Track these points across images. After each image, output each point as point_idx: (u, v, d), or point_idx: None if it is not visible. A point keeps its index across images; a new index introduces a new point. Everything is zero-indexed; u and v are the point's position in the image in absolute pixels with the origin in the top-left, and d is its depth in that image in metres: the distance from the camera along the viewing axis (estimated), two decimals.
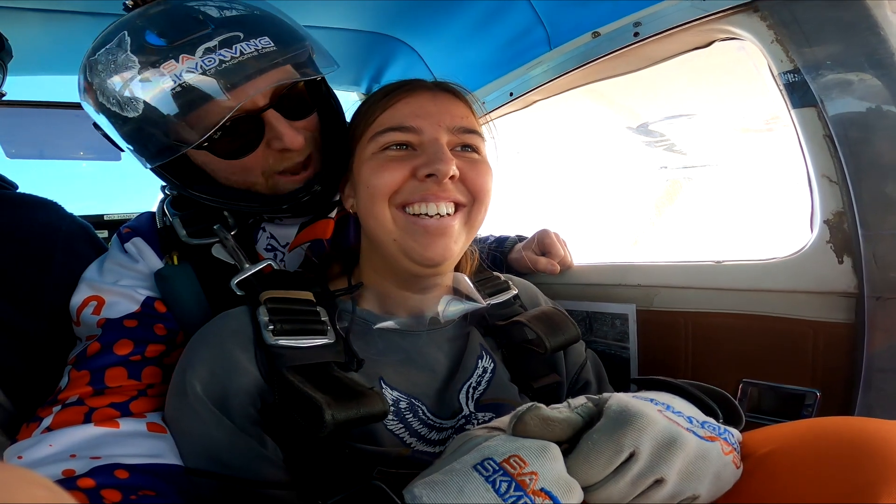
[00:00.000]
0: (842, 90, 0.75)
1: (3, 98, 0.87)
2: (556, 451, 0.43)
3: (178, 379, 0.59)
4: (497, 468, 0.41)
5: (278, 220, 0.82)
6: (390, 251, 0.66)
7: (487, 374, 0.71)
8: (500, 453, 0.42)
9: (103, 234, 1.60)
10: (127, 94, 0.64)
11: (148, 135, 0.67)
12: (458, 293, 0.74)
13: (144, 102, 0.64)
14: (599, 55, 1.02)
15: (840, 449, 0.45)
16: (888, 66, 0.71)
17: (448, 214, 0.65)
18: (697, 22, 0.86)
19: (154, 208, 0.83)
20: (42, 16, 1.01)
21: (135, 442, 0.56)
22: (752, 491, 0.49)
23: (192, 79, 0.61)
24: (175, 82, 0.61)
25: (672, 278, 1.00)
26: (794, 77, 0.79)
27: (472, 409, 0.67)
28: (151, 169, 0.73)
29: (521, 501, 0.39)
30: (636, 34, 0.94)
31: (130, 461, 0.53)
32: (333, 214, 0.83)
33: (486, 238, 1.22)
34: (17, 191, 0.82)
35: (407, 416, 0.64)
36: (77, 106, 1.37)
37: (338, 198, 0.83)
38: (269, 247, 0.80)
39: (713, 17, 0.84)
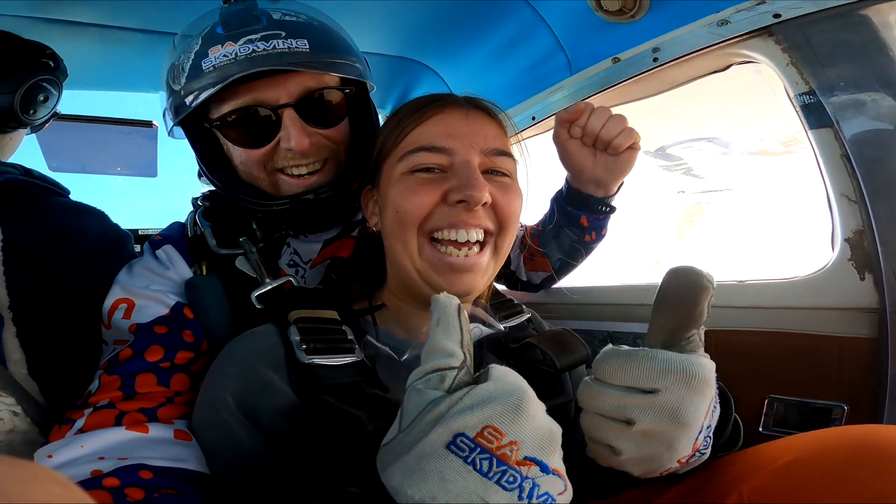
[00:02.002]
0: (856, 110, 0.77)
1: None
2: (529, 404, 0.38)
3: (208, 393, 0.59)
4: (473, 446, 0.36)
5: (303, 235, 0.83)
6: (413, 278, 0.64)
7: None
8: (471, 427, 0.36)
9: (136, 247, 1.64)
10: (179, 68, 0.72)
11: (178, 102, 0.73)
12: (475, 319, 0.72)
13: (186, 75, 0.70)
14: (619, 80, 1.07)
15: (861, 457, 0.44)
16: None
17: (478, 242, 0.63)
18: (715, 47, 0.90)
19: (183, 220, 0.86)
20: (99, 31, 1.06)
21: (161, 447, 0.57)
22: (776, 499, 0.48)
23: (222, 61, 0.68)
24: (212, 63, 0.68)
25: None
26: (810, 98, 0.81)
27: None
28: (195, 152, 0.78)
29: (508, 475, 0.36)
30: (655, 59, 0.98)
31: (155, 463, 0.54)
32: (355, 234, 0.84)
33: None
34: (70, 198, 0.87)
35: None
36: (118, 121, 1.45)
37: (360, 216, 0.85)
38: (291, 262, 0.81)
39: (730, 41, 0.88)
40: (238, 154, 0.74)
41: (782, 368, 0.89)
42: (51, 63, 0.91)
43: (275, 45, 0.68)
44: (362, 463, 0.49)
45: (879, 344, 0.77)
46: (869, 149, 0.77)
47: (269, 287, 0.73)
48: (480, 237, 0.63)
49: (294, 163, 0.74)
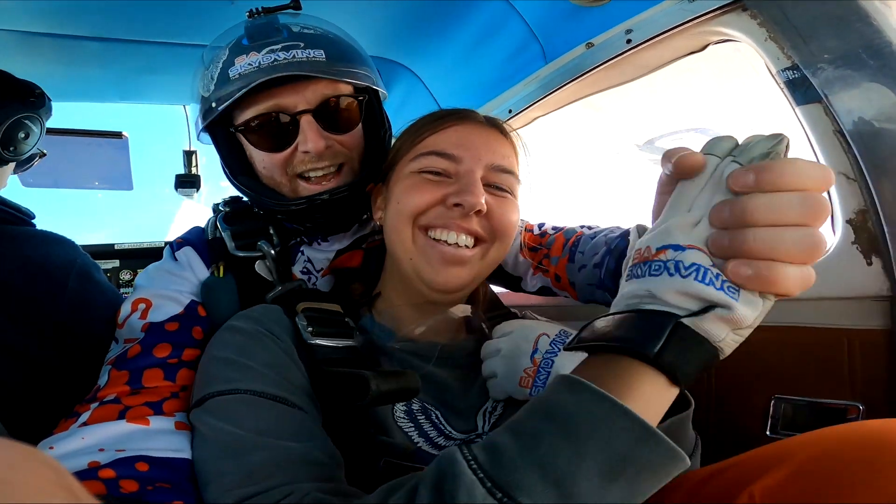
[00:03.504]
0: (845, 83, 0.71)
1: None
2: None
3: (225, 333, 0.63)
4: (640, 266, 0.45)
5: (317, 243, 0.87)
6: (405, 270, 0.70)
7: (501, 402, 0.72)
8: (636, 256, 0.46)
9: (114, 263, 1.63)
10: (209, 76, 0.78)
11: (206, 108, 0.78)
12: (472, 326, 0.77)
13: (215, 83, 0.77)
14: (594, 65, 1.03)
15: (881, 454, 0.42)
16: (888, 56, 0.68)
17: (466, 247, 0.67)
18: (688, 24, 0.86)
19: (202, 224, 0.90)
20: (52, 41, 1.06)
21: (161, 438, 0.59)
22: (790, 500, 0.45)
23: (247, 69, 0.74)
24: (238, 70, 0.75)
25: None
26: (794, 74, 0.76)
27: (487, 430, 0.69)
28: (220, 157, 0.84)
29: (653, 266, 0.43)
30: (628, 41, 0.95)
31: (153, 454, 0.56)
32: (365, 246, 0.87)
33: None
34: (35, 225, 0.87)
35: (419, 418, 0.67)
36: (87, 133, 1.44)
37: (368, 230, 0.89)
38: (304, 270, 0.85)
39: (702, 18, 0.84)
40: (261, 159, 0.80)
41: (788, 366, 0.82)
42: (36, 101, 0.94)
43: (294, 55, 0.74)
44: (363, 426, 0.62)
45: (893, 336, 0.70)
46: (865, 123, 0.71)
47: (283, 291, 0.77)
48: (470, 243, 0.67)
49: (311, 166, 0.78)
